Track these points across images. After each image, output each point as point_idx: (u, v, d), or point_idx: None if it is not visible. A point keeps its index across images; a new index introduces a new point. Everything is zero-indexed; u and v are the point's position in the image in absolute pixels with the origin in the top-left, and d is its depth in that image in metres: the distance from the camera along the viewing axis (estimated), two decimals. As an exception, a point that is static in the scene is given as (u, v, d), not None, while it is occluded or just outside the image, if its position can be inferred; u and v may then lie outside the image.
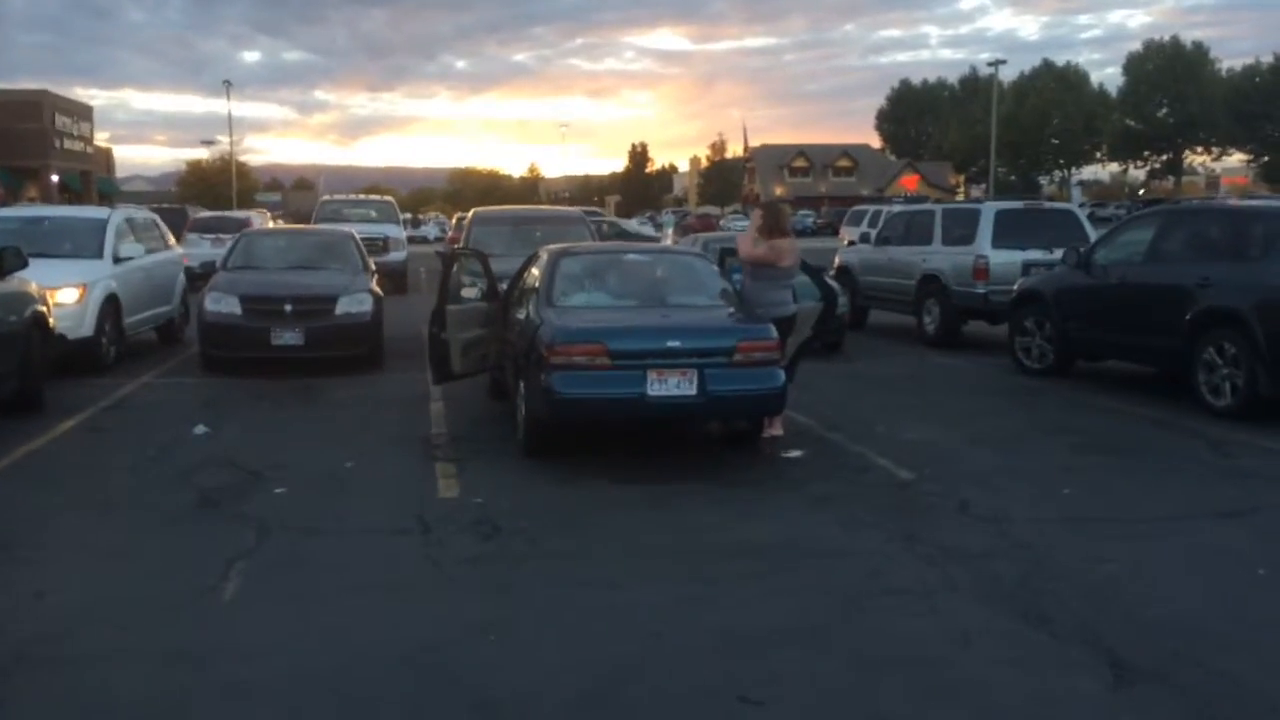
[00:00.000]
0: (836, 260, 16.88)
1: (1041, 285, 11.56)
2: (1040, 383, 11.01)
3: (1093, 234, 13.51)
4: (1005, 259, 13.18)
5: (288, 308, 11.35)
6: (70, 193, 53.55)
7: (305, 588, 5.04)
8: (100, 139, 64.93)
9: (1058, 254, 13.00)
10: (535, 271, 8.44)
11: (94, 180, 59.83)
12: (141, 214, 14.67)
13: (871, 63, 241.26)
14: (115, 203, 49.47)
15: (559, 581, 5.15)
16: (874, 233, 17.13)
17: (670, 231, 28.51)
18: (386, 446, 8.09)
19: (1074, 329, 10.97)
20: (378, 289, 12.48)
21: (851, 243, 27.70)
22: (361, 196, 26.76)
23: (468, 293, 9.41)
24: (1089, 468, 7.51)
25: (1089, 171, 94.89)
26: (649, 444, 8.03)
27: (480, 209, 14.64)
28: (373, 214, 24.75)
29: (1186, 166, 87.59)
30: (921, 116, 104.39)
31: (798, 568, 5.36)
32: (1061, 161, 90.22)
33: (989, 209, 13.60)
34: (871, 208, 29.99)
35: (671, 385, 7.10)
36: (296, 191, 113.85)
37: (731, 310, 7.86)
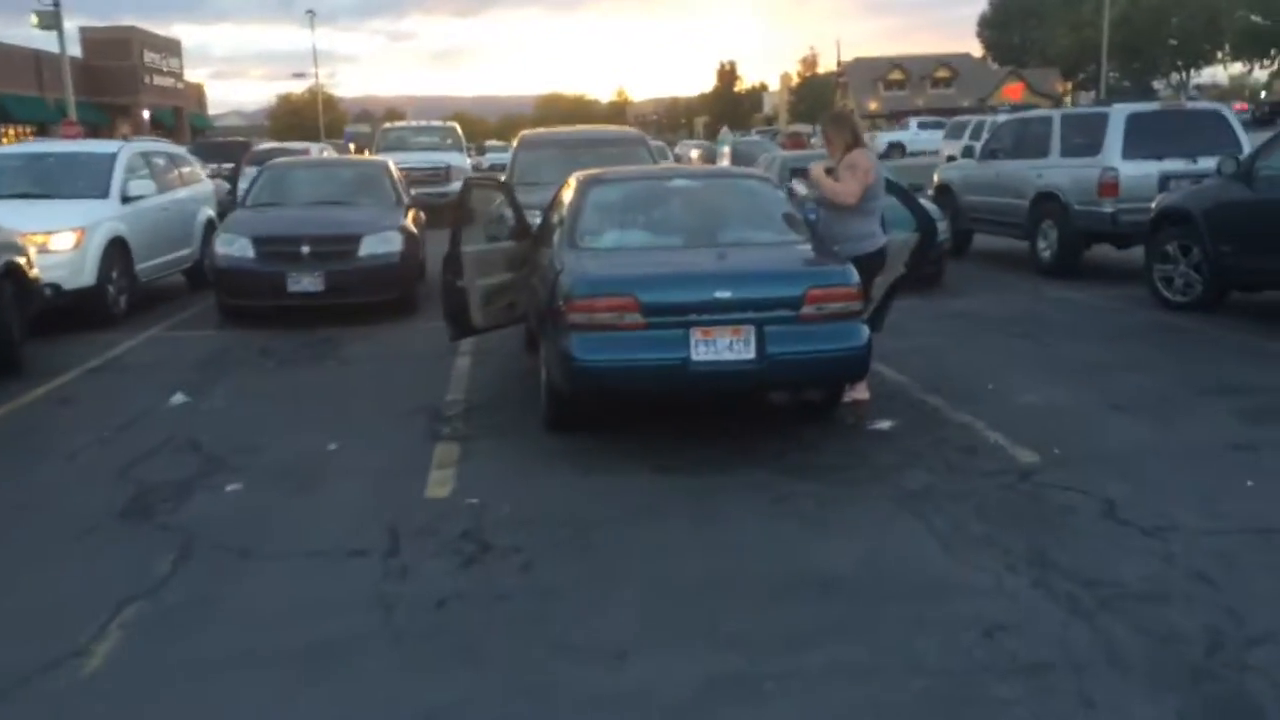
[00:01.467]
0: (935, 178, 14.94)
1: (1188, 202, 9.59)
2: (1186, 320, 9.13)
3: (1245, 140, 11.41)
4: (1138, 171, 11.18)
5: (305, 249, 10.03)
6: (163, 129, 53.72)
7: (200, 653, 3.69)
8: (200, 75, 65.36)
9: (1202, 165, 11.03)
10: (563, 204, 6.93)
11: (186, 116, 60.00)
12: (163, 147, 13.49)
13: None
14: (204, 137, 49.41)
15: (545, 643, 3.71)
16: (977, 146, 15.06)
17: (728, 151, 24.84)
18: (387, 419, 6.73)
19: (1230, 254, 9.03)
20: (413, 225, 11.12)
21: (951, 158, 25.46)
22: (424, 123, 25.40)
23: (493, 230, 7.99)
24: (1273, 445, 5.76)
25: (1208, 74, 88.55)
26: (702, 412, 6.51)
27: (527, 131, 13.09)
28: (435, 141, 23.41)
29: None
30: (1026, 21, 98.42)
31: (879, 620, 3.82)
32: (1180, 63, 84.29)
33: (1119, 112, 11.52)
34: (973, 119, 27.54)
35: (722, 347, 5.56)
36: (387, 122, 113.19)
37: (802, 247, 6.23)
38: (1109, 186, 11.25)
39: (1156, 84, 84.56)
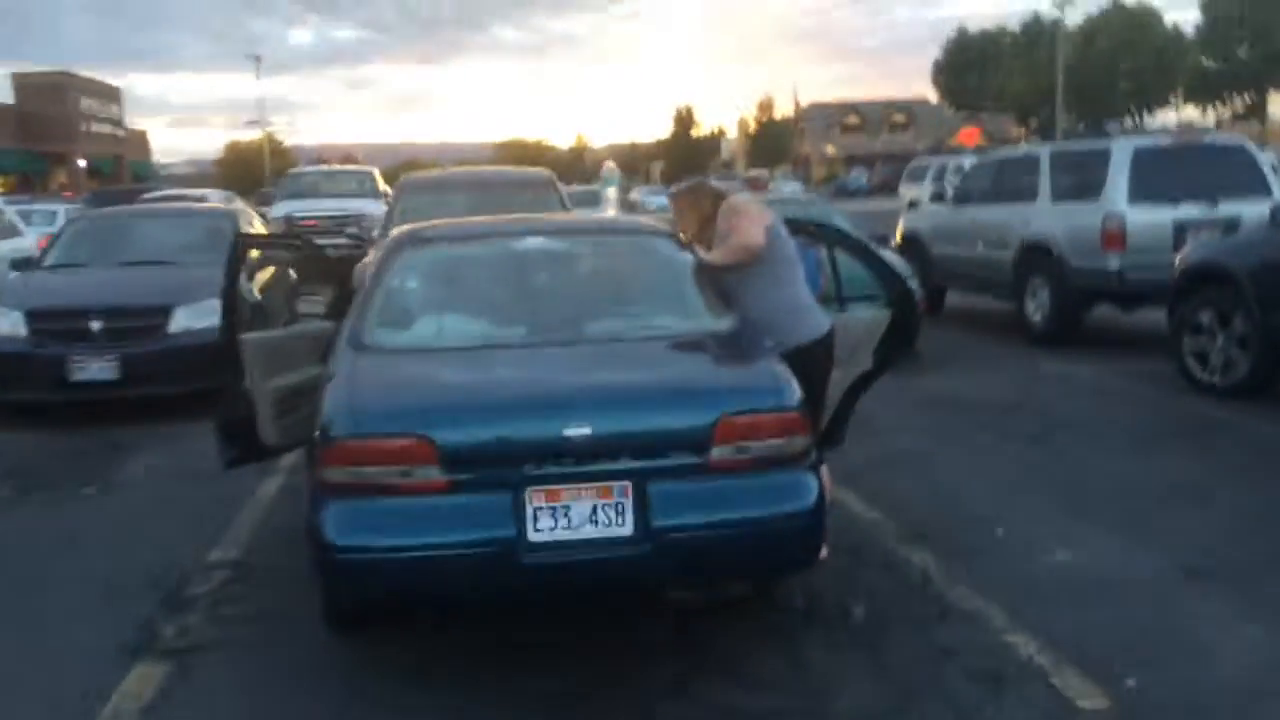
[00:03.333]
0: (900, 227, 12.89)
1: (1227, 258, 7.54)
2: (1233, 412, 7.03)
3: (1275, 181, 9.45)
4: (1149, 219, 9.16)
5: (95, 325, 7.72)
6: (101, 177, 51.56)
7: None
8: (157, 123, 64.09)
9: (1223, 210, 9.11)
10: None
11: (126, 164, 57.81)
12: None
13: (923, 15, 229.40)
14: (151, 186, 47.28)
15: None
16: (948, 190, 13.02)
17: (613, 196, 17.42)
18: (92, 605, 4.40)
19: (1290, 326, 6.98)
20: (256, 292, 8.81)
21: (913, 203, 23.60)
22: (337, 167, 23.10)
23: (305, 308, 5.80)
24: None
25: (1162, 119, 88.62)
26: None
27: (411, 174, 10.86)
28: (351, 187, 21.13)
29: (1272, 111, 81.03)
30: (981, 67, 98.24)
31: None
32: (1132, 108, 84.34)
33: (1124, 147, 9.51)
34: (935, 159, 25.75)
35: (580, 519, 3.33)
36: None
37: (715, 342, 4.01)
38: (1114, 237, 9.21)
39: (1110, 127, 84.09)
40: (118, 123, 58.81)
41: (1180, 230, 9.06)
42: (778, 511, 3.45)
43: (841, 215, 10.68)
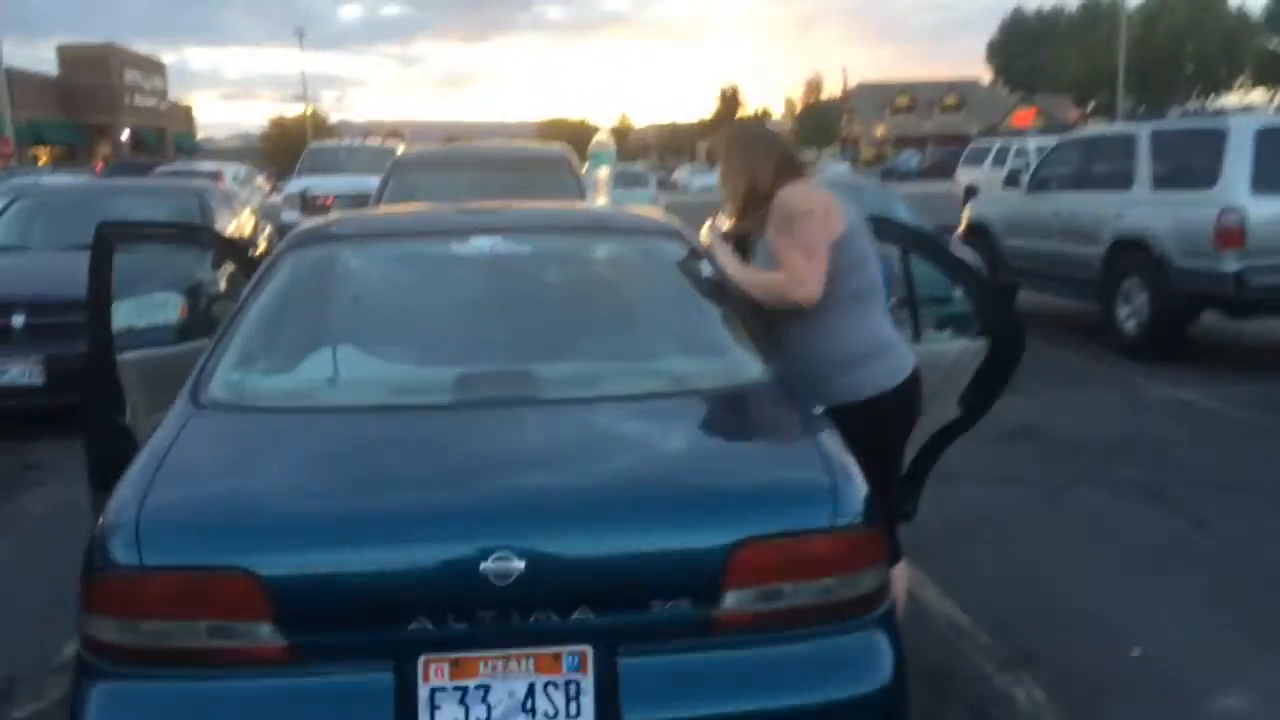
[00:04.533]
0: (965, 215, 11.40)
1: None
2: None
3: None
4: (1275, 212, 7.65)
5: (17, 320, 6.52)
6: (146, 148, 51.54)
7: None
8: (210, 97, 65.93)
9: (1366, 201, 7.57)
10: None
11: (170, 136, 57.81)
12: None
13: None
14: (192, 158, 46.77)
15: None
16: (1021, 175, 11.47)
17: (603, 177, 12.49)
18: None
19: None
20: (215, 282, 7.58)
21: (972, 189, 22.00)
22: (359, 143, 21.76)
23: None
24: None
25: (1227, 102, 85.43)
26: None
27: (410, 149, 9.53)
28: (368, 162, 19.87)
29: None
30: (1036, 48, 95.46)
31: None
32: (1197, 91, 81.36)
33: (1244, 126, 7.97)
34: (998, 141, 23.97)
35: (506, 712, 2.00)
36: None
37: (736, 406, 2.65)
38: (1232, 233, 7.69)
39: (1174, 110, 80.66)
40: (162, 95, 58.87)
41: (1313, 225, 7.56)
42: (831, 699, 2.11)
43: (900, 201, 9.26)
